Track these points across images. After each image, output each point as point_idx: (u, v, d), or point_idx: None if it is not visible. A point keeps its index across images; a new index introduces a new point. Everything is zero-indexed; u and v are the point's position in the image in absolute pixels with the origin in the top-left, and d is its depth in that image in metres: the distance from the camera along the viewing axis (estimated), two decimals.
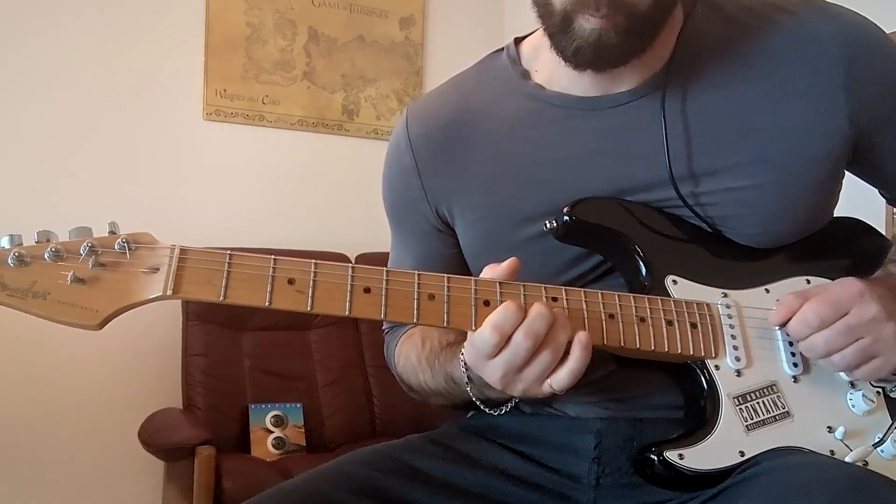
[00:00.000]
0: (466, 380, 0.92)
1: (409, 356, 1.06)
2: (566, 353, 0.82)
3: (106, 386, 2.76)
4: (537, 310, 0.81)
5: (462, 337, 0.95)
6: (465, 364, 0.90)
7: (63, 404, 2.71)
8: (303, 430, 2.67)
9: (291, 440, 2.63)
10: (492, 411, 0.96)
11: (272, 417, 2.63)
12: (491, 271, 0.86)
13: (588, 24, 0.86)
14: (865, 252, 1.01)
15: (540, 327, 0.80)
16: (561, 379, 0.82)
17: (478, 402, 0.94)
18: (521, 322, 0.80)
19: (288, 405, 2.68)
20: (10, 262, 0.74)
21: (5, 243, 0.76)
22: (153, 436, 2.40)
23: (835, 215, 1.02)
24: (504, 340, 0.80)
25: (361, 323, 2.93)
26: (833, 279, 0.96)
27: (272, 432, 2.61)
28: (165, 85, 2.93)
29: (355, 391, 2.83)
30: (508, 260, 0.86)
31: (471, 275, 1.02)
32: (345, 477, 0.92)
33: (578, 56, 0.89)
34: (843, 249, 1.01)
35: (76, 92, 2.79)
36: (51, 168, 2.74)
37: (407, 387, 1.11)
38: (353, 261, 2.84)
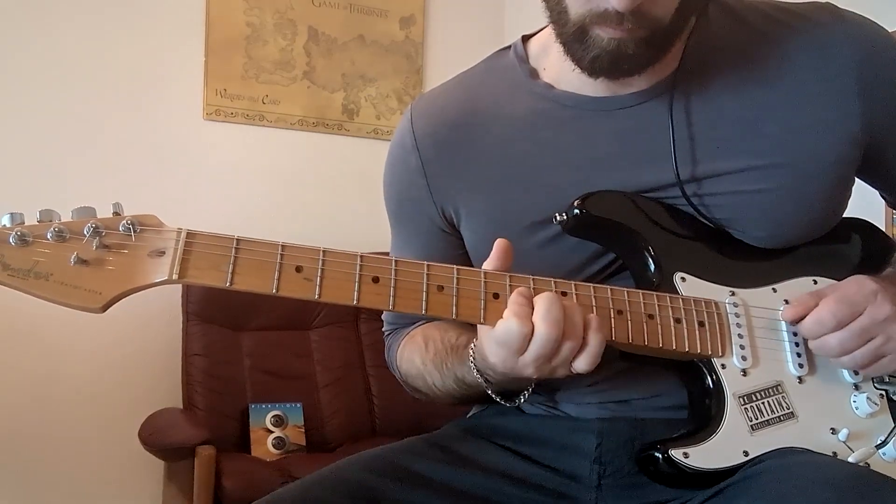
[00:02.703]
0: (483, 382, 0.91)
1: (413, 360, 1.05)
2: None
3: (106, 386, 2.76)
4: (547, 296, 0.80)
5: (466, 337, 0.95)
6: (476, 368, 0.90)
7: (63, 404, 2.70)
8: (303, 430, 2.67)
9: (291, 440, 2.63)
10: (509, 403, 0.95)
11: (272, 417, 2.63)
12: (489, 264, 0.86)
13: (605, 33, 0.85)
14: (872, 253, 1.01)
15: (557, 312, 0.80)
16: (581, 364, 0.82)
17: (493, 395, 0.93)
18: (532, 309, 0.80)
19: (288, 405, 2.68)
20: (11, 241, 0.73)
21: (6, 222, 0.74)
22: (153, 436, 2.40)
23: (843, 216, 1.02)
24: (531, 323, 0.79)
25: (362, 323, 2.93)
26: (839, 280, 0.96)
27: (272, 432, 2.61)
28: (165, 85, 2.92)
29: (355, 391, 2.83)
30: (497, 246, 0.85)
31: None
32: (343, 482, 0.91)
33: (595, 65, 0.88)
34: (849, 250, 1.01)
35: (76, 92, 2.79)
36: (50, 168, 2.73)
37: (411, 388, 1.10)
38: None
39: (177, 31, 2.95)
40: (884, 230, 1.07)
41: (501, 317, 0.82)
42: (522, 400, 0.95)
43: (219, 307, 2.70)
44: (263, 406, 2.64)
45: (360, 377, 2.86)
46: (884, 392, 0.92)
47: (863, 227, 1.04)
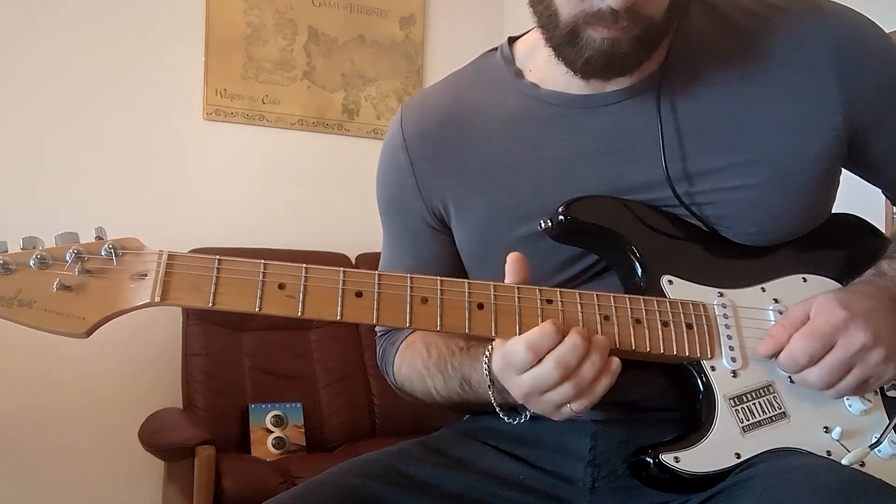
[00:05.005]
0: (489, 383, 0.91)
1: (415, 364, 1.05)
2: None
3: (106, 386, 2.77)
4: (572, 341, 0.80)
5: (474, 342, 0.95)
6: (488, 368, 0.90)
7: (63, 405, 2.71)
8: (303, 430, 2.67)
9: (291, 440, 2.63)
10: (509, 419, 0.95)
11: (272, 417, 2.63)
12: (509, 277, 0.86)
13: (598, 34, 0.85)
14: (862, 250, 1.00)
15: (572, 359, 0.80)
16: (579, 405, 0.82)
17: (496, 407, 0.93)
18: (557, 345, 0.80)
19: (288, 405, 2.68)
20: None
21: None
22: (153, 436, 2.41)
23: (833, 212, 1.02)
24: (537, 360, 0.80)
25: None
26: (830, 276, 0.96)
27: (272, 432, 2.61)
28: (165, 85, 2.93)
29: (355, 391, 2.83)
30: (510, 259, 0.86)
31: (466, 274, 1.02)
32: (338, 487, 0.91)
33: (589, 66, 0.89)
34: (839, 247, 1.00)
35: (76, 92, 2.79)
36: (50, 167, 2.74)
37: (407, 393, 1.10)
38: (353, 261, 2.84)
39: (177, 31, 2.95)
40: (883, 226, 1.06)
41: (487, 326, 0.83)
42: (524, 420, 0.94)
43: None
44: (263, 406, 2.65)
45: (360, 377, 2.86)
46: (878, 389, 0.91)
47: (852, 224, 1.03)
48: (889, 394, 0.92)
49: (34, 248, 0.76)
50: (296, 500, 0.89)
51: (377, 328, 1.15)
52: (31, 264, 0.75)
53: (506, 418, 0.95)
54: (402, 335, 1.10)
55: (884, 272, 0.95)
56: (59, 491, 2.71)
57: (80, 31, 2.81)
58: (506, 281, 0.86)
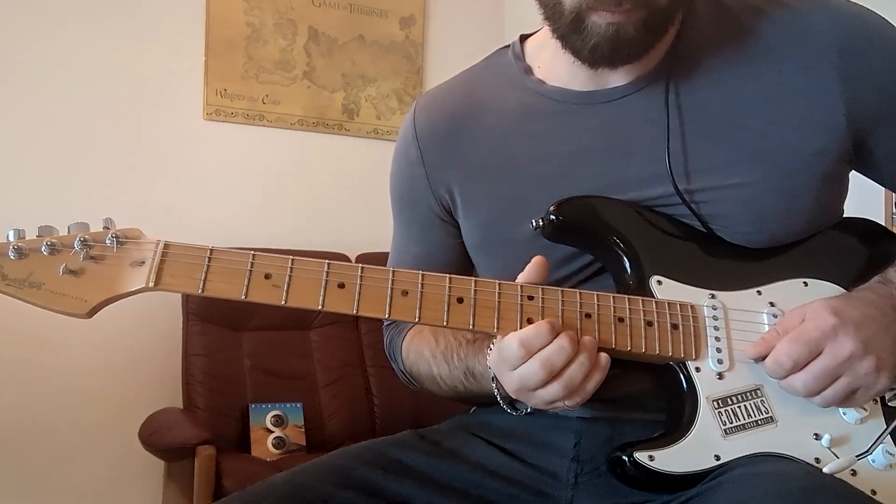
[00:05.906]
0: (492, 375, 0.92)
1: (422, 351, 1.07)
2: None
3: (107, 386, 2.77)
4: (559, 343, 0.82)
5: (480, 335, 0.97)
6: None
7: (63, 404, 2.72)
8: (303, 430, 2.67)
9: (292, 440, 2.63)
10: (511, 411, 0.97)
11: (272, 417, 2.64)
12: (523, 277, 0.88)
13: (602, 19, 0.85)
14: (873, 256, 0.97)
15: (557, 360, 0.82)
16: (571, 402, 0.84)
17: (499, 399, 0.95)
18: (549, 344, 0.82)
19: (288, 405, 2.68)
20: (10, 254, 0.81)
21: (11, 237, 0.82)
22: (153, 436, 2.41)
23: (847, 216, 0.99)
24: (528, 357, 0.82)
25: (362, 323, 2.94)
26: (836, 282, 0.93)
27: (272, 432, 2.62)
28: (166, 85, 2.93)
29: (355, 391, 2.83)
30: (533, 261, 0.87)
31: (473, 265, 1.06)
32: (329, 470, 0.93)
33: (595, 53, 0.88)
34: (849, 251, 0.97)
35: (77, 92, 2.80)
36: (51, 167, 2.75)
37: (413, 380, 1.12)
38: (352, 261, 2.84)
39: (177, 31, 2.96)
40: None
41: (465, 320, 0.85)
42: (526, 411, 0.96)
43: (219, 307, 2.70)
44: (263, 406, 2.65)
45: (360, 377, 2.87)
46: (877, 398, 0.89)
47: (867, 227, 0.99)
48: (891, 404, 0.89)
49: (50, 235, 0.83)
50: (288, 480, 0.92)
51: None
52: (43, 250, 0.82)
53: (509, 410, 0.97)
54: (409, 324, 1.12)
55: (889, 279, 0.92)
56: (60, 491, 2.71)
57: (80, 32, 2.81)
58: (521, 279, 0.87)
